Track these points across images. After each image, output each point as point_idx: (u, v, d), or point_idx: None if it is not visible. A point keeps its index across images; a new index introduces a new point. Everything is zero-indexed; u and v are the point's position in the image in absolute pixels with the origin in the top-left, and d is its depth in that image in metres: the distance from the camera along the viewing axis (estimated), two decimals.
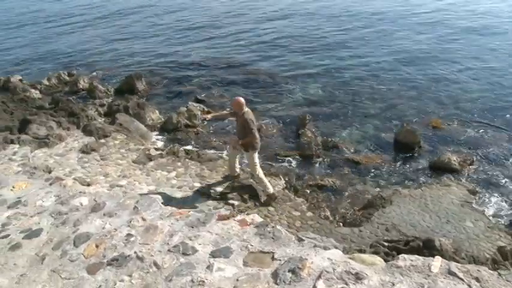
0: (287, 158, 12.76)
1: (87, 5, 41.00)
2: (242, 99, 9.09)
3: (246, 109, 9.09)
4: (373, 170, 12.12)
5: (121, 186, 9.64)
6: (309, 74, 19.25)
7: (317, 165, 12.49)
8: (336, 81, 18.23)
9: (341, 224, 9.58)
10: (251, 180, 10.04)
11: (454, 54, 20.59)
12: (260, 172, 9.61)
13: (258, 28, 27.77)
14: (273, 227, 4.98)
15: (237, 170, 10.19)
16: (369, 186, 11.44)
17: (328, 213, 9.93)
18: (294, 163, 12.60)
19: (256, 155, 9.49)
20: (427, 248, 7.40)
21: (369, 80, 18.13)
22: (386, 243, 7.86)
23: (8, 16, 40.01)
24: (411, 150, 12.86)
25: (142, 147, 12.12)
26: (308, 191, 10.94)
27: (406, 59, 20.32)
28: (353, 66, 19.90)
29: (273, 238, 4.75)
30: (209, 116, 10.02)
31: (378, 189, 11.19)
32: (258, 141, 9.47)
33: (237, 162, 10.13)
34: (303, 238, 4.79)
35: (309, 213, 9.51)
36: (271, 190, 9.70)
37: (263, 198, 9.66)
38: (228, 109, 9.93)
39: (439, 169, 11.81)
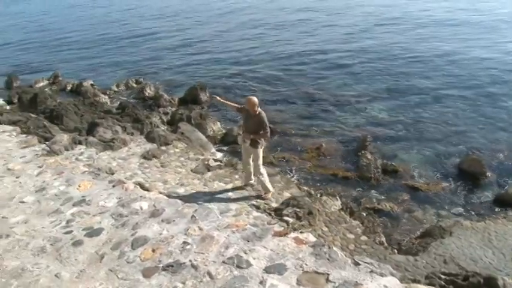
0: (345, 179, 12.57)
1: (158, 19, 42.63)
2: (256, 99, 9.24)
3: (259, 109, 9.27)
4: (433, 198, 11.70)
5: (179, 194, 9.79)
6: (373, 95, 19.00)
7: (375, 188, 12.22)
8: (399, 104, 17.87)
9: (396, 251, 9.29)
10: (307, 198, 9.96)
11: None
12: (264, 170, 9.84)
13: (324, 48, 27.78)
14: (329, 247, 4.91)
15: (253, 178, 10.17)
16: (427, 214, 11.05)
17: (383, 239, 9.67)
18: (351, 184, 12.38)
19: (262, 152, 9.71)
20: (488, 286, 7.01)
21: (434, 105, 17.63)
22: (443, 276, 7.53)
23: (84, 26, 42.36)
24: (476, 180, 12.32)
25: (202, 157, 12.31)
26: (364, 214, 10.72)
27: (476, 86, 19.59)
28: (419, 89, 19.45)
29: (328, 259, 4.67)
30: (219, 98, 10.11)
31: (437, 218, 10.79)
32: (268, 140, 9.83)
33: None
34: (359, 262, 4.69)
35: (364, 237, 9.29)
36: (271, 190, 10.01)
37: (255, 190, 10.10)
38: (238, 104, 10.13)
39: (506, 203, 11.21)
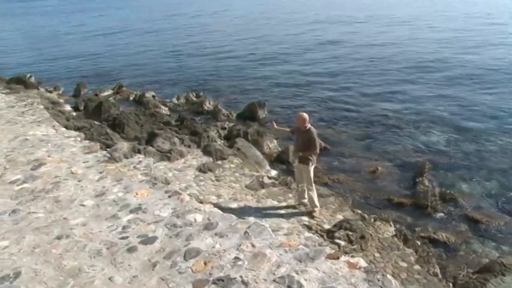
0: (400, 205, 12.21)
1: (223, 37, 43.57)
2: (306, 115, 9.37)
3: (309, 125, 9.35)
4: (494, 232, 11.07)
5: (232, 209, 9.84)
6: (434, 120, 18.37)
7: (431, 216, 11.74)
8: (462, 131, 17.17)
9: (451, 284, 8.88)
10: (360, 222, 9.76)
11: None
12: (314, 187, 9.88)
13: (386, 69, 27.36)
14: (382, 275, 4.78)
15: (306, 197, 10.09)
16: (487, 248, 10.48)
17: (437, 270, 9.25)
18: (406, 211, 11.99)
19: (312, 170, 9.72)
20: None
21: (500, 134, 16.80)
22: None
23: (151, 41, 44.12)
24: None
25: (257, 173, 12.30)
26: (418, 243, 10.30)
27: None
28: (484, 116, 18.65)
29: (381, 287, 4.55)
30: (276, 127, 10.24)
31: (498, 253, 10.19)
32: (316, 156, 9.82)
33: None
34: None
35: (417, 267, 8.94)
36: (318, 206, 10.00)
37: (307, 209, 10.02)
38: (288, 128, 10.47)
39: None
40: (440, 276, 9.07)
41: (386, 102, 21.09)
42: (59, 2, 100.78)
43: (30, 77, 27.63)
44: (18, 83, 24.33)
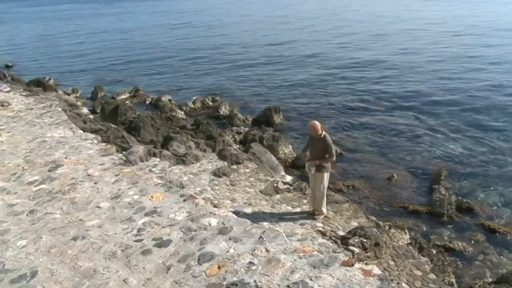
0: (415, 213, 12.11)
1: (240, 43, 43.74)
2: (318, 123, 9.47)
3: (324, 132, 9.43)
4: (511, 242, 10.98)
5: (246, 213, 9.84)
6: (452, 128, 18.25)
7: (447, 225, 11.64)
8: (479, 139, 17.01)
9: None
10: (374, 229, 9.68)
11: None
12: (325, 194, 9.94)
13: (402, 77, 27.27)
14: (398, 283, 4.73)
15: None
16: (504, 258, 10.34)
17: (453, 280, 9.16)
18: (422, 219, 11.89)
19: (327, 177, 9.78)
20: None
21: None
22: None
23: (168, 45, 44.63)
24: None
25: (271, 179, 12.29)
26: (434, 251, 10.21)
27: None
28: (502, 125, 18.46)
29: None
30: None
31: None
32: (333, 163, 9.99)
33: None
34: None
35: (432, 275, 8.83)
36: (325, 211, 10.01)
37: (313, 211, 10.07)
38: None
39: None
40: (455, 285, 9.01)
41: (403, 110, 21.01)
42: (78, 7, 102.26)
43: (49, 79, 28.04)
44: (38, 85, 24.68)
